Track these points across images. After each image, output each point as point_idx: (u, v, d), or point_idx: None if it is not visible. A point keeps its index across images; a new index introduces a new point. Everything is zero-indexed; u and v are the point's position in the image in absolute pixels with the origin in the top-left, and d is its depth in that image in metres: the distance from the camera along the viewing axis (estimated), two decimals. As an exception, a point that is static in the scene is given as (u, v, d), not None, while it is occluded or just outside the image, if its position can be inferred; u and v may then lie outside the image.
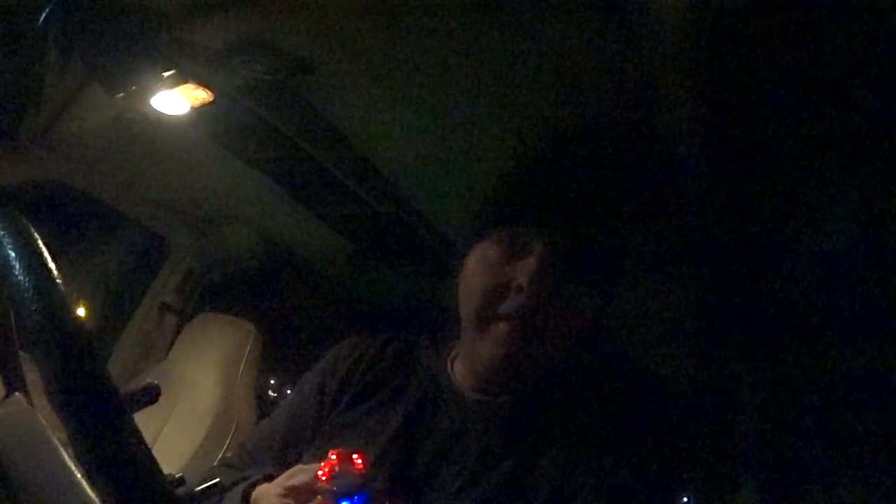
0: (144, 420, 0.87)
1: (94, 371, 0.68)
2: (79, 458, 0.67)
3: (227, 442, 3.28)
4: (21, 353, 1.09)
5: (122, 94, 1.99)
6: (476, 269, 1.46)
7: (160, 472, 0.69)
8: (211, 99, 2.13)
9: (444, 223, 2.72)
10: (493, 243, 1.45)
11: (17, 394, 1.10)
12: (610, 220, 1.51)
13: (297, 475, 1.29)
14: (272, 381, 4.29)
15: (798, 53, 1.52)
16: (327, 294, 4.11)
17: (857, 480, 2.14)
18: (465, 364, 1.53)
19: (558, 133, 1.91)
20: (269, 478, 1.40)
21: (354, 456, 1.24)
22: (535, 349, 1.40)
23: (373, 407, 1.53)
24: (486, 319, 1.42)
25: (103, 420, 0.66)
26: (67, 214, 3.32)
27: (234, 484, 1.42)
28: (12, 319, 1.04)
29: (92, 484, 0.79)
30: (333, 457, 1.24)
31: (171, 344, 3.75)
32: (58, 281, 0.72)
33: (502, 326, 1.39)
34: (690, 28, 1.50)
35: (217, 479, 1.22)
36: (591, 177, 1.55)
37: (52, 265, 0.74)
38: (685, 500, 1.43)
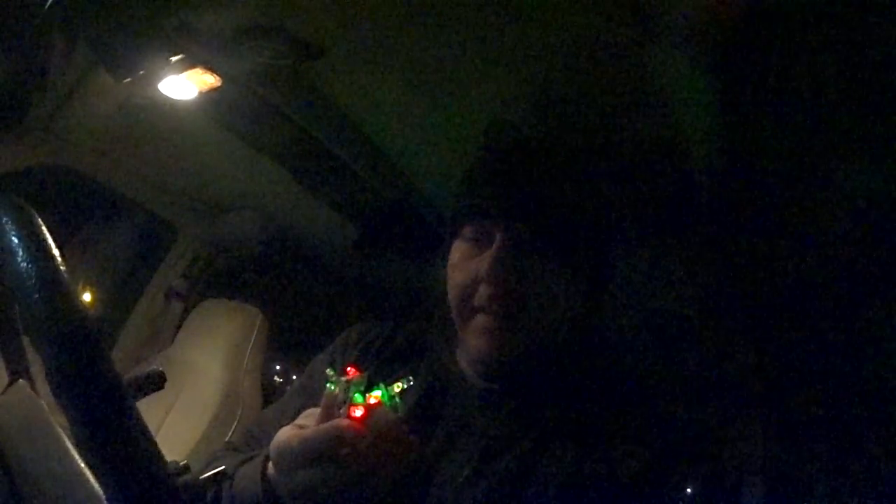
0: (149, 406, 0.86)
1: (96, 358, 0.67)
2: (79, 447, 0.67)
3: (233, 428, 3.28)
4: (25, 339, 1.09)
5: (129, 80, 1.99)
6: (452, 265, 1.48)
7: (162, 460, 0.68)
8: (218, 84, 2.12)
9: (451, 210, 2.72)
10: (463, 240, 1.46)
11: (20, 380, 1.10)
12: (569, 198, 1.50)
13: (306, 416, 1.29)
14: (277, 367, 4.29)
15: (804, 49, 1.53)
16: (333, 280, 4.11)
17: (862, 476, 2.14)
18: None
19: (516, 122, 1.92)
20: None
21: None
22: (519, 334, 1.40)
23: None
24: (466, 314, 1.43)
25: (104, 408, 0.65)
26: (74, 200, 3.31)
27: (244, 462, 1.41)
28: (16, 306, 1.03)
29: (93, 472, 0.78)
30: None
31: (177, 330, 3.75)
32: (61, 268, 0.72)
33: (480, 318, 1.40)
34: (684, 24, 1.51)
35: (222, 467, 1.21)
36: (546, 161, 1.55)
37: (55, 252, 0.73)
38: (689, 491, 1.41)
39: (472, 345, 1.43)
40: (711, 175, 1.98)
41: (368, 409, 1.18)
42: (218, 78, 2.10)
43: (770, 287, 2.30)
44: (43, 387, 1.04)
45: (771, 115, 1.74)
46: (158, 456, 0.67)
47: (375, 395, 1.21)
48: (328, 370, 1.29)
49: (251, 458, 1.39)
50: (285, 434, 1.25)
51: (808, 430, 2.28)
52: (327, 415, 1.22)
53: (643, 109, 1.84)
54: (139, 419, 0.67)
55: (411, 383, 1.30)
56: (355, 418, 1.17)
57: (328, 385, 1.24)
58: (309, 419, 1.27)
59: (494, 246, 1.38)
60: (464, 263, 1.44)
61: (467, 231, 1.46)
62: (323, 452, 1.18)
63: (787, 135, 1.78)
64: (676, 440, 1.40)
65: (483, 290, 1.38)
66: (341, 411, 1.20)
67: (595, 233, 1.53)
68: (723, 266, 2.33)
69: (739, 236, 2.18)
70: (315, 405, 1.54)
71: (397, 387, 1.24)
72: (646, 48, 1.62)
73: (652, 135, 1.92)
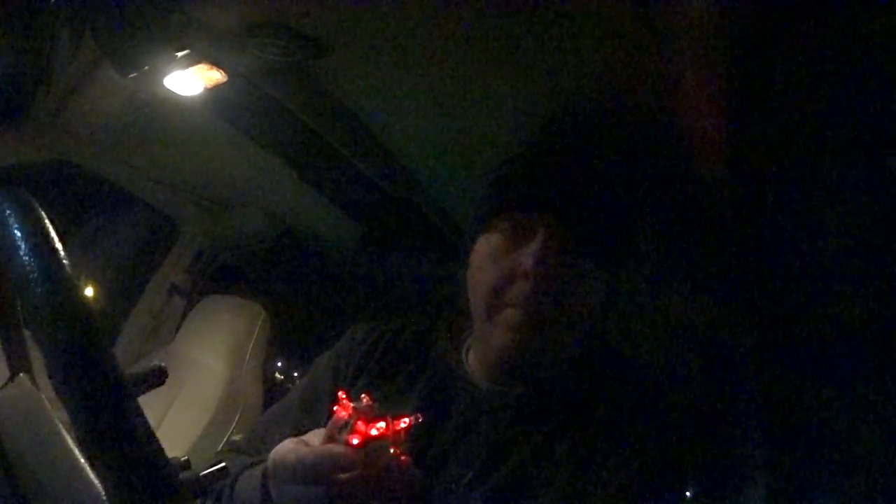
0: (150, 402, 0.85)
1: (98, 353, 0.67)
2: (80, 442, 0.66)
3: (234, 425, 3.27)
4: (26, 332, 1.08)
5: (134, 75, 1.98)
6: (483, 259, 1.46)
7: (164, 456, 0.67)
8: (224, 80, 2.12)
9: (456, 209, 2.71)
10: (496, 232, 1.45)
11: (21, 375, 1.10)
12: (611, 199, 1.50)
13: (313, 435, 1.29)
14: (279, 364, 4.29)
15: (822, 52, 1.52)
16: (337, 278, 4.11)
17: (865, 478, 2.13)
18: (478, 354, 1.53)
19: (559, 117, 1.91)
20: None
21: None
22: (547, 334, 1.39)
23: (386, 394, 1.51)
24: (495, 308, 1.41)
25: (105, 403, 0.65)
26: (77, 195, 3.31)
27: (248, 467, 1.41)
28: (17, 300, 1.03)
29: (94, 468, 0.78)
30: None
31: (179, 325, 3.75)
32: (63, 261, 0.71)
33: (511, 313, 1.39)
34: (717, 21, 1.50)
35: (223, 464, 1.21)
36: (589, 159, 1.55)
37: (58, 245, 0.73)
38: (687, 494, 1.41)
39: (496, 341, 1.41)
40: (720, 179, 1.98)
41: (366, 438, 1.18)
42: (224, 74, 2.09)
43: (773, 289, 2.30)
44: (43, 381, 1.03)
45: (780, 118, 1.73)
46: (160, 451, 0.66)
47: (379, 427, 1.20)
48: (341, 394, 1.28)
49: (253, 464, 1.39)
50: (285, 447, 1.26)
51: (811, 431, 2.27)
52: (329, 438, 1.23)
53: (657, 110, 1.83)
54: (141, 415, 0.67)
55: (419, 420, 1.29)
56: (351, 445, 1.17)
57: (335, 408, 1.24)
58: (313, 438, 1.27)
59: (539, 240, 1.36)
60: (498, 257, 1.43)
61: (502, 224, 1.44)
62: (315, 474, 1.18)
63: (797, 139, 1.78)
64: (678, 443, 1.40)
65: (521, 286, 1.37)
66: (340, 437, 1.20)
67: (628, 236, 1.53)
68: (726, 269, 2.33)
69: (743, 237, 2.17)
70: (318, 405, 1.55)
71: (402, 422, 1.23)
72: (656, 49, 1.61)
73: (669, 138, 1.92)
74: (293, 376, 4.23)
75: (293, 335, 4.12)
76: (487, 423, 1.42)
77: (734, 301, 2.44)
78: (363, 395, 1.26)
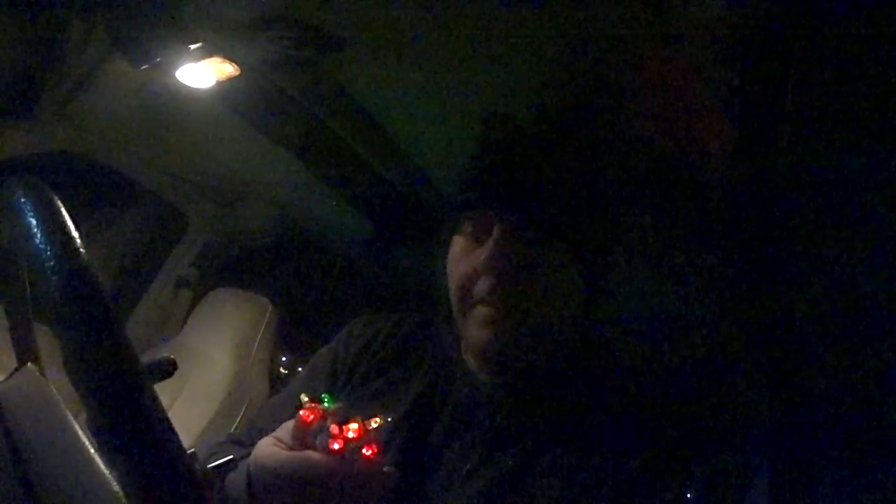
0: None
1: (116, 341, 0.66)
2: (96, 434, 0.66)
3: (239, 418, 3.27)
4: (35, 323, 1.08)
5: (146, 66, 1.98)
6: (452, 260, 1.49)
7: (182, 447, 0.67)
8: (237, 73, 2.12)
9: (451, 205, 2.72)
10: (462, 233, 1.47)
11: (29, 364, 1.09)
12: (573, 191, 1.50)
13: (283, 430, 1.29)
14: (283, 358, 4.28)
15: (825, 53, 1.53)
16: (344, 272, 4.11)
17: (869, 478, 2.13)
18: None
19: (514, 117, 1.92)
20: None
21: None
22: (521, 326, 1.40)
23: (384, 385, 1.53)
24: (466, 306, 1.44)
25: (124, 392, 0.64)
26: (86, 186, 3.31)
27: (243, 458, 1.41)
28: (27, 290, 1.03)
29: (107, 458, 0.77)
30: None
31: (186, 318, 3.75)
32: (80, 249, 0.71)
33: (480, 309, 1.40)
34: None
35: (231, 457, 1.21)
36: (546, 152, 1.55)
37: (74, 233, 0.72)
38: (689, 496, 1.41)
39: (472, 336, 1.43)
40: (720, 173, 1.98)
41: (346, 442, 1.19)
42: (237, 67, 2.09)
43: (775, 287, 2.30)
44: (51, 370, 1.03)
45: (785, 115, 1.73)
46: (177, 441, 0.66)
47: (354, 429, 1.21)
48: (303, 396, 1.30)
49: (246, 456, 1.39)
50: (263, 449, 1.27)
51: (812, 431, 2.28)
52: (299, 439, 1.24)
53: (652, 108, 1.83)
54: (158, 404, 0.67)
55: (389, 421, 1.31)
56: (332, 450, 1.19)
57: (301, 412, 1.24)
58: (286, 433, 1.28)
59: (493, 237, 1.38)
60: (463, 256, 1.45)
61: (467, 225, 1.46)
62: (296, 479, 1.20)
63: (800, 136, 1.78)
64: (680, 440, 1.40)
65: (483, 282, 1.39)
66: (318, 441, 1.22)
67: (594, 223, 1.53)
68: (728, 265, 2.33)
69: (745, 233, 2.17)
70: (316, 396, 1.55)
71: (374, 422, 1.24)
72: (665, 45, 1.62)
73: (658, 133, 1.92)
74: (297, 370, 4.23)
75: (299, 330, 4.11)
76: (486, 415, 1.43)
77: (735, 298, 2.44)
78: (323, 396, 1.28)
